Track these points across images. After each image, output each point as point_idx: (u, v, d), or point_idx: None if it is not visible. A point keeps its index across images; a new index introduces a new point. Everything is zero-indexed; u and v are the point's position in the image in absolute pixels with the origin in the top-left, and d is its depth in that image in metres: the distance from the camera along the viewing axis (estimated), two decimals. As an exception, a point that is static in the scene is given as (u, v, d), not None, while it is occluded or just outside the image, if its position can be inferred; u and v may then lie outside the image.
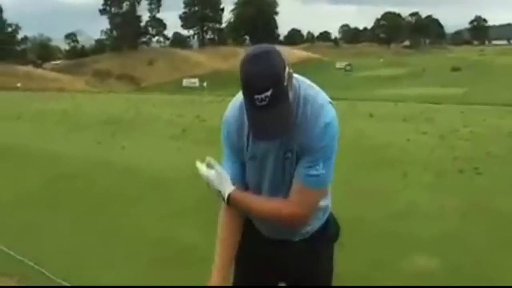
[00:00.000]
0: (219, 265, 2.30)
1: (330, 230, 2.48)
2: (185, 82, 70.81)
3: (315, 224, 2.39)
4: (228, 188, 2.24)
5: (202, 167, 2.27)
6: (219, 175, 2.24)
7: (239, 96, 2.21)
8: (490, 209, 6.35)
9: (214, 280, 2.27)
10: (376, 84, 54.22)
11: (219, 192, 2.24)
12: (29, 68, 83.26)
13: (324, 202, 2.35)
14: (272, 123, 2.01)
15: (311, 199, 2.22)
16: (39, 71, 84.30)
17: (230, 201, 2.24)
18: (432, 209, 6.41)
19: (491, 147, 9.97)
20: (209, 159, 2.27)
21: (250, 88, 1.98)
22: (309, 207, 2.23)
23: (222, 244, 2.33)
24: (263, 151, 2.25)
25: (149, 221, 6.25)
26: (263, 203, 2.27)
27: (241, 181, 2.33)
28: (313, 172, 2.18)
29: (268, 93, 1.94)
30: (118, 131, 14.08)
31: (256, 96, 1.96)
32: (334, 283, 2.49)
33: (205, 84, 53.80)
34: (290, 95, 2.04)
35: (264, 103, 1.96)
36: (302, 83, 2.20)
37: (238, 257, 2.39)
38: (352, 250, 4.85)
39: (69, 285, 4.26)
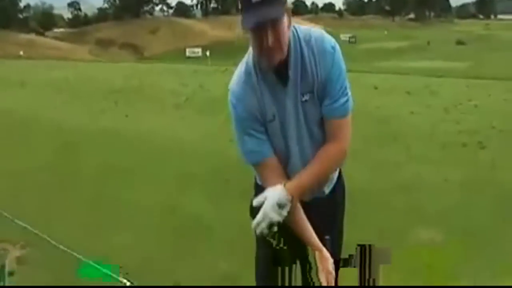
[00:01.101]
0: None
1: (343, 179, 2.56)
2: (188, 52, 70.35)
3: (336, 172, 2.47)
4: (277, 192, 2.12)
5: (256, 224, 2.10)
6: (264, 202, 2.11)
7: (241, 66, 2.25)
8: (493, 183, 6.35)
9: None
10: (381, 57, 53.87)
11: (280, 205, 2.10)
12: (32, 36, 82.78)
13: None
14: (270, 39, 2.01)
15: (349, 128, 2.27)
16: (41, 39, 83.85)
17: (294, 196, 2.14)
18: (436, 182, 6.41)
19: (495, 121, 9.94)
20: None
21: None
22: (349, 137, 2.28)
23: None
24: (280, 106, 2.23)
25: (154, 190, 6.27)
26: (315, 168, 2.23)
27: (274, 153, 2.29)
28: (344, 99, 2.21)
29: None
30: (121, 100, 14.06)
31: None
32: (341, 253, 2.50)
33: (207, 53, 53.49)
34: (286, 23, 2.05)
35: None
36: (298, 27, 2.22)
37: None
38: (358, 220, 4.87)
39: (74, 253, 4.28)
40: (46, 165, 7.54)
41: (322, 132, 2.30)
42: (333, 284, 2.18)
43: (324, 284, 2.18)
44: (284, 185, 2.15)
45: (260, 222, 2.08)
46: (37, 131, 10.14)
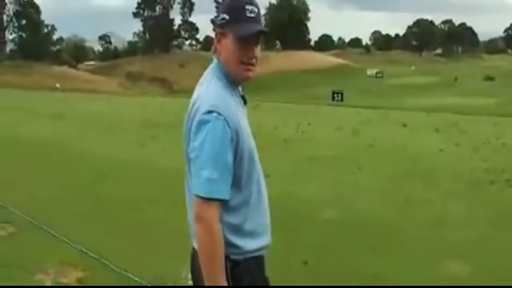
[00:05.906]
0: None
1: None
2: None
3: None
4: None
5: None
6: None
7: (217, 83, 2.21)
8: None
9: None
10: (408, 92, 53.77)
11: None
12: (64, 69, 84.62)
13: None
14: (256, 51, 2.18)
15: None
16: (73, 71, 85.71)
17: None
18: (463, 219, 6.64)
19: (523, 160, 10.13)
20: None
21: None
22: None
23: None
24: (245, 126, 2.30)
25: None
26: None
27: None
28: None
29: (256, 9, 2.15)
30: (157, 134, 14.48)
31: (247, 7, 2.12)
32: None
33: (236, 88, 54.14)
34: None
35: (252, 15, 2.12)
36: None
37: None
38: (387, 254, 5.17)
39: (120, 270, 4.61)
40: (84, 193, 7.87)
41: None
42: None
43: None
44: None
45: None
46: (76, 161, 10.56)
